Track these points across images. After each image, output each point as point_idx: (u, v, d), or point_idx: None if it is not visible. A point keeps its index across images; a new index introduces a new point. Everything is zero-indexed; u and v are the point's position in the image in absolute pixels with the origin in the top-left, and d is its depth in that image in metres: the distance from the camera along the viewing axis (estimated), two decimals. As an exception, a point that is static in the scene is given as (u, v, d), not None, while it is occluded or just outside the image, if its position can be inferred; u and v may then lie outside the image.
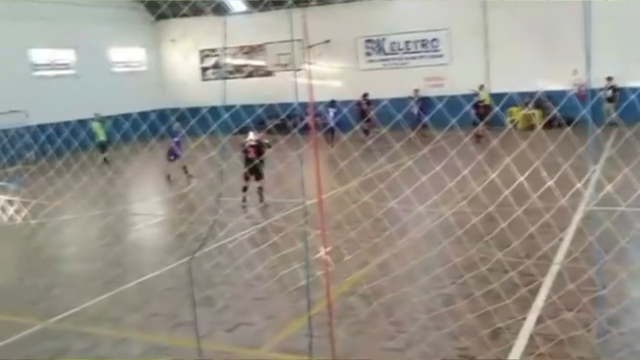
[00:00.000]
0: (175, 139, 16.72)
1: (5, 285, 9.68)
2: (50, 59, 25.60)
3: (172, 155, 17.05)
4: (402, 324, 6.77)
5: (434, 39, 26.01)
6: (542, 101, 21.27)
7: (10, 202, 12.34)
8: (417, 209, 6.85)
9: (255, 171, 11.99)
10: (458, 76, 24.62)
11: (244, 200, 12.70)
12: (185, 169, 17.07)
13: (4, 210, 11.87)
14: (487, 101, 21.89)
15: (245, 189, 12.68)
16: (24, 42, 23.72)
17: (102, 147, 21.17)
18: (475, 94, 22.75)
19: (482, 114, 18.67)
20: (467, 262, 7.20)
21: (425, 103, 23.10)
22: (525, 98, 21.84)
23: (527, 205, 5.85)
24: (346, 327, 6.79)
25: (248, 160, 11.94)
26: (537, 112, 22.78)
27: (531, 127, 21.53)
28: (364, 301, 7.30)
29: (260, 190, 12.63)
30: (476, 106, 20.58)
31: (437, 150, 6.57)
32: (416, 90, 25.14)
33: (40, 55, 25.16)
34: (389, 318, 6.80)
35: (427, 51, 26.27)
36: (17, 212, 12.34)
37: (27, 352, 6.94)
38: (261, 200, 12.78)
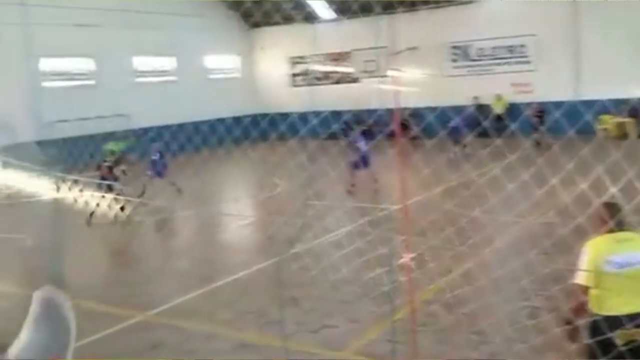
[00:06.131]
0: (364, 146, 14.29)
1: (106, 278, 10.42)
2: (153, 66, 27.12)
3: (364, 163, 14.54)
4: (486, 334, 6.69)
5: (522, 45, 25.24)
6: (637, 109, 20.03)
7: (116, 200, 13.24)
8: (502, 219, 6.76)
9: None
10: (545, 82, 23.80)
11: None
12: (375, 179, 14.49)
13: (110, 207, 12.79)
14: (499, 111, 22.64)
15: None
16: (129, 50, 25.20)
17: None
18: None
19: (497, 126, 19.35)
20: (554, 274, 7.02)
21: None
22: (618, 105, 20.62)
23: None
24: (429, 335, 6.78)
25: None
26: (630, 121, 20.81)
27: (624, 136, 20.24)
28: (446, 309, 7.26)
29: None
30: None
31: (524, 158, 6.47)
32: (476, 97, 24.75)
33: (143, 62, 26.70)
34: (472, 328, 6.75)
35: (512, 57, 25.56)
36: (122, 209, 13.24)
37: (128, 342, 7.40)
38: None
